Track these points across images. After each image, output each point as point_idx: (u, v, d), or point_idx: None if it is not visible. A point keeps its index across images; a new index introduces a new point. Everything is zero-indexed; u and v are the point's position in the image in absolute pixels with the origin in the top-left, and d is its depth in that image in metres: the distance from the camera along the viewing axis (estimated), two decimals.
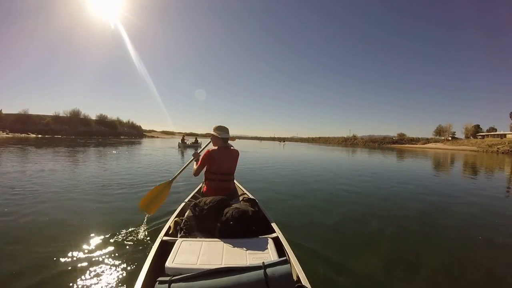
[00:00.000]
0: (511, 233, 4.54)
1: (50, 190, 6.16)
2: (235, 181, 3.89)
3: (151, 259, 2.08)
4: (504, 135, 67.78)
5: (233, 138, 3.68)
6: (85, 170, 9.86)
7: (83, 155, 15.71)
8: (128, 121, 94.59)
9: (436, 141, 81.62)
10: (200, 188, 4.10)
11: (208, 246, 2.19)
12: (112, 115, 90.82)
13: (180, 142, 29.70)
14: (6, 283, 2.61)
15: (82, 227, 3.94)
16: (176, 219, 2.93)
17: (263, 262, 1.69)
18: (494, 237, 4.29)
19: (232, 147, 3.49)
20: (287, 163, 15.34)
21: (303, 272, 1.88)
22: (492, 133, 75.25)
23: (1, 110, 64.69)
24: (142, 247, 3.34)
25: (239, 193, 4.02)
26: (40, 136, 50.38)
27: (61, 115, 73.43)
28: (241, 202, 2.89)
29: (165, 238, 2.46)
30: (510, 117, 71.84)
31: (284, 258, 1.77)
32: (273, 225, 2.71)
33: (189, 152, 21.23)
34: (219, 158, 3.29)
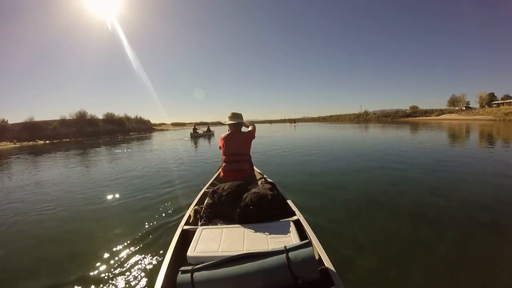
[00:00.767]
0: None
1: (67, 195, 6.28)
2: (254, 167, 4.04)
3: (172, 249, 2.10)
4: None
5: (247, 124, 3.79)
6: (95, 171, 10.03)
7: (85, 158, 15.58)
8: (136, 117, 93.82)
9: (450, 112, 79.42)
10: (218, 174, 4.19)
11: (228, 232, 2.19)
12: (119, 112, 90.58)
13: (192, 132, 28.91)
14: (46, 270, 2.79)
15: (106, 225, 4.06)
16: (195, 207, 2.94)
17: (285, 246, 1.68)
18: None
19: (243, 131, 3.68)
20: (301, 145, 15.11)
21: (325, 254, 1.86)
22: (508, 101, 72.88)
23: (7, 120, 64.36)
24: (163, 238, 3.41)
25: (258, 177, 4.01)
26: (47, 142, 50.54)
27: (67, 118, 72.97)
28: (260, 186, 2.88)
29: (186, 227, 2.48)
30: None
31: (306, 241, 1.76)
32: (293, 207, 2.69)
33: (202, 142, 21.14)
34: (230, 141, 3.51)
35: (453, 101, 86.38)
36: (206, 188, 3.65)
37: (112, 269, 2.78)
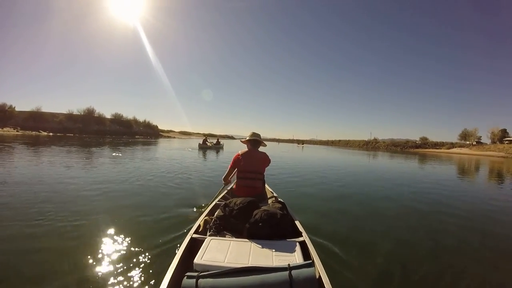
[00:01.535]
0: None
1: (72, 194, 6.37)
2: (266, 185, 4.19)
3: (180, 255, 2.17)
4: None
5: (264, 144, 3.98)
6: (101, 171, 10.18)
7: (88, 157, 15.42)
8: (145, 121, 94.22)
9: (461, 145, 78.85)
10: (231, 188, 4.31)
11: (236, 245, 2.26)
12: (130, 115, 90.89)
13: (201, 143, 28.40)
14: (47, 278, 2.77)
15: (116, 226, 4.11)
16: (206, 218, 3.03)
17: (289, 264, 1.74)
18: None
19: (260, 151, 3.84)
20: (312, 168, 15.24)
21: (327, 276, 1.90)
22: None
23: (14, 107, 65.25)
24: (172, 244, 3.48)
25: (269, 196, 4.11)
26: (51, 134, 50.55)
27: (75, 113, 73.68)
28: (270, 204, 2.96)
29: (195, 235, 2.56)
30: None
31: (310, 261, 1.82)
32: (301, 229, 2.75)
33: (210, 156, 20.93)
34: (247, 158, 3.64)
35: (465, 135, 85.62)
36: (218, 201, 3.77)
37: (118, 271, 2.85)
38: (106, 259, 3.10)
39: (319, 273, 1.95)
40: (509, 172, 18.95)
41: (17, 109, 66.48)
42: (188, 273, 1.75)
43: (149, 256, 3.17)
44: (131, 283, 2.66)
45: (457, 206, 6.97)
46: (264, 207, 2.70)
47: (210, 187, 6.89)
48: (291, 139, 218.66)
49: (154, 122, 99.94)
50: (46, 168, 9.65)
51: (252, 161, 3.66)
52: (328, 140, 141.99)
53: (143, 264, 3.00)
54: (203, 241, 2.32)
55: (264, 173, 3.85)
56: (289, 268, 1.70)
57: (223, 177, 3.92)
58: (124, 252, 3.29)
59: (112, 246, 3.43)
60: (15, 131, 50.37)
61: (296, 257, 2.08)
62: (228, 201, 2.87)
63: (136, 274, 2.81)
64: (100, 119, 77.74)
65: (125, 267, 2.92)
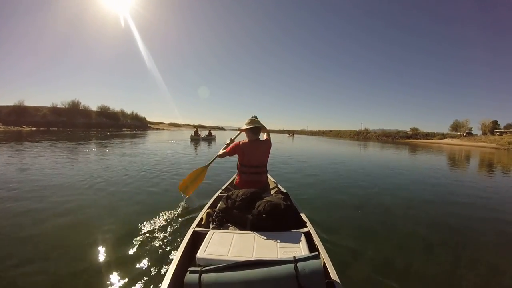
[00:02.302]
0: None
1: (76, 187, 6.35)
2: (268, 174, 4.00)
3: (182, 249, 2.14)
4: None
5: (265, 131, 3.79)
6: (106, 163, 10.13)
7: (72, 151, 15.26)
8: (132, 113, 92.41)
9: (452, 136, 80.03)
10: (233, 180, 4.25)
11: (239, 238, 2.23)
12: (120, 108, 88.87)
13: (193, 134, 28.23)
14: (48, 275, 2.73)
15: (116, 220, 4.13)
16: (208, 210, 3.00)
17: (294, 257, 1.71)
18: None
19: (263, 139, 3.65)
20: (311, 159, 15.41)
21: (333, 268, 1.90)
22: (511, 130, 73.72)
23: None
24: (174, 238, 3.46)
25: (271, 186, 4.08)
26: (34, 129, 49.56)
27: (59, 106, 71.38)
28: (273, 195, 2.94)
29: (197, 229, 2.53)
30: None
31: (316, 253, 1.79)
32: (305, 219, 2.74)
33: (202, 146, 21.06)
34: (249, 151, 3.42)
35: (456, 126, 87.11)
36: (220, 193, 3.71)
37: (120, 265, 2.83)
38: (108, 254, 3.07)
39: (325, 264, 1.94)
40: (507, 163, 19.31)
41: None
42: (191, 268, 1.73)
43: (152, 250, 3.16)
44: (133, 278, 2.63)
45: (464, 198, 7.10)
46: (267, 198, 2.68)
47: (215, 178, 6.87)
48: (281, 129, 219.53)
49: (142, 114, 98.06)
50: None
51: (255, 154, 3.45)
52: (319, 131, 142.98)
53: (145, 259, 2.97)
54: (206, 234, 2.29)
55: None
56: (295, 260, 1.67)
57: (218, 153, 3.67)
58: (126, 247, 3.25)
59: (113, 240, 3.40)
60: None
61: (301, 249, 2.07)
62: (230, 193, 2.83)
63: (138, 269, 2.79)
64: (86, 112, 75.86)
65: (127, 262, 2.90)
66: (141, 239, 3.42)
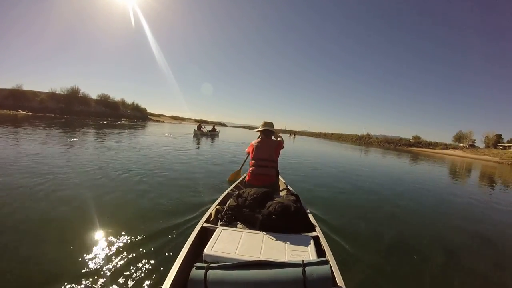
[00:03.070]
0: None
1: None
2: (280, 176, 4.29)
3: (189, 244, 2.17)
4: None
5: (277, 135, 4.25)
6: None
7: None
8: (133, 103, 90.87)
9: (454, 147, 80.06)
10: (243, 178, 4.39)
11: (248, 237, 2.26)
12: (124, 98, 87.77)
13: (196, 129, 27.72)
14: (55, 268, 2.71)
15: (121, 213, 4.14)
16: (217, 207, 3.03)
17: (303, 260, 1.74)
18: None
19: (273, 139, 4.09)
20: (323, 161, 15.53)
21: (340, 273, 1.91)
22: None
23: None
24: (181, 232, 3.48)
25: (282, 187, 4.17)
26: (30, 113, 48.96)
27: (57, 92, 70.24)
28: (284, 196, 2.98)
29: (206, 225, 2.56)
30: None
31: (325, 258, 1.82)
32: (314, 223, 2.78)
33: (205, 141, 20.88)
34: (261, 146, 3.84)
35: (459, 137, 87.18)
36: (231, 190, 3.77)
37: (126, 259, 2.83)
38: (114, 247, 3.07)
39: (332, 270, 1.94)
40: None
41: None
42: (197, 264, 1.76)
43: (158, 243, 3.17)
44: (139, 271, 2.65)
45: (480, 211, 7.24)
46: (278, 199, 2.73)
47: (226, 175, 6.84)
48: (282, 129, 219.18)
49: (144, 105, 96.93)
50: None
51: (264, 149, 3.82)
52: (320, 133, 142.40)
53: (151, 252, 2.99)
54: (214, 230, 2.32)
55: (278, 161, 3.99)
56: (303, 264, 1.70)
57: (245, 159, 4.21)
58: (133, 239, 3.26)
59: (120, 233, 3.39)
60: None
61: (310, 253, 2.08)
62: (241, 191, 2.89)
63: (144, 261, 2.80)
64: (85, 100, 74.77)
65: (133, 255, 2.91)
66: (148, 232, 3.44)
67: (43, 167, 6.30)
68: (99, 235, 3.32)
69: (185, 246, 2.15)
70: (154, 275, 2.61)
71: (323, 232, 2.61)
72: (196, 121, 40.05)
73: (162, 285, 1.70)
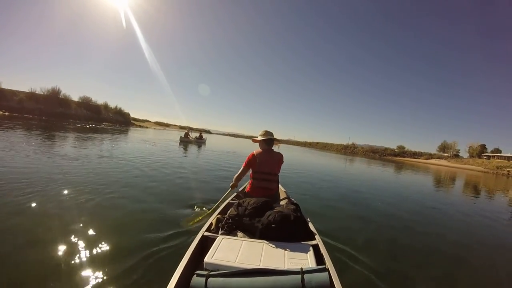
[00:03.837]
0: None
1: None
2: (280, 185, 4.26)
3: (190, 252, 2.18)
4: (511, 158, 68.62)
5: (278, 142, 4.08)
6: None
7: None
8: (116, 107, 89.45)
9: (439, 157, 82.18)
10: (244, 188, 4.41)
11: (248, 245, 2.29)
12: (107, 101, 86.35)
13: (183, 136, 27.87)
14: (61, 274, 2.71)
15: (124, 221, 4.13)
16: (218, 216, 3.07)
17: (301, 268, 1.79)
18: None
19: (275, 151, 3.89)
20: (320, 172, 15.75)
21: (339, 281, 1.91)
22: (498, 154, 76.27)
23: None
24: (182, 241, 3.50)
25: (282, 196, 4.21)
26: (7, 113, 47.52)
27: (37, 92, 67.70)
28: (284, 205, 3.02)
29: (206, 233, 2.59)
30: None
31: (323, 266, 1.88)
32: (314, 232, 2.82)
33: (191, 149, 20.72)
34: (263, 158, 3.69)
35: (444, 147, 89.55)
36: (231, 200, 3.82)
37: (126, 267, 2.85)
38: (114, 255, 3.08)
39: (331, 278, 1.95)
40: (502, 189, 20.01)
41: None
42: (197, 272, 1.79)
43: (159, 252, 3.20)
44: (139, 279, 2.67)
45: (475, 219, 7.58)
46: (277, 208, 2.77)
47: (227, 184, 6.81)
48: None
49: (129, 110, 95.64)
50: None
51: (268, 162, 3.71)
52: (305, 142, 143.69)
53: (152, 260, 3.02)
54: (215, 239, 2.35)
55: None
56: (302, 272, 1.75)
57: (235, 176, 3.91)
58: (133, 247, 3.27)
59: (120, 241, 3.40)
60: None
61: (309, 261, 2.12)
62: (241, 200, 2.92)
63: (145, 270, 2.82)
64: (66, 101, 72.27)
65: (134, 263, 2.93)
66: (149, 240, 3.46)
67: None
68: (102, 244, 3.29)
69: (186, 254, 2.17)
70: (154, 282, 2.63)
71: (323, 241, 2.66)
72: (181, 127, 39.76)
73: None
